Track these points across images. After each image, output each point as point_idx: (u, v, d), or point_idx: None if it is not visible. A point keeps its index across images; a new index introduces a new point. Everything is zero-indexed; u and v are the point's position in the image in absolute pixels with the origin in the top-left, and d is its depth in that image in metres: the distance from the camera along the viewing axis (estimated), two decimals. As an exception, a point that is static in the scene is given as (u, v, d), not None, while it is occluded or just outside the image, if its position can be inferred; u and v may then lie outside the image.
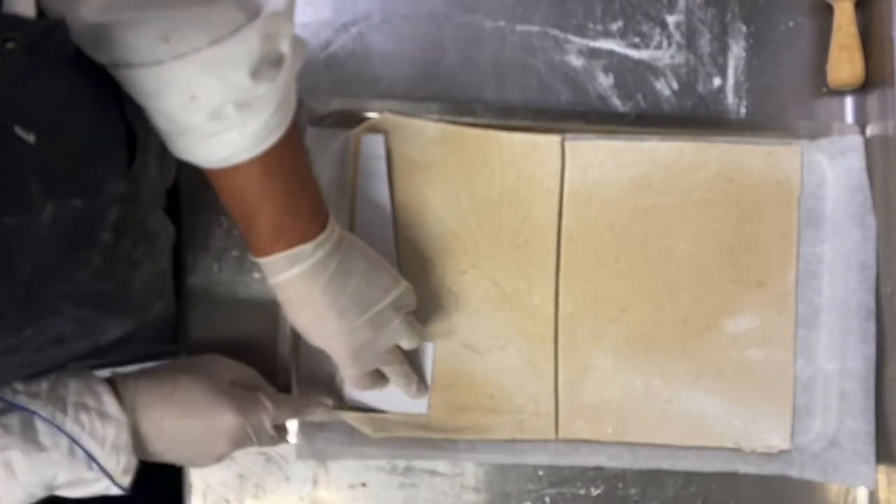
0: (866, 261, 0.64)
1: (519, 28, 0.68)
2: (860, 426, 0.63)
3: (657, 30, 0.68)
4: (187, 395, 0.55)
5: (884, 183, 0.64)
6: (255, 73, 0.46)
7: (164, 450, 0.55)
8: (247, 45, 0.45)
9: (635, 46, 0.68)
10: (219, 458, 0.58)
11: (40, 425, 0.50)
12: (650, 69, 0.68)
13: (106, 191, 0.47)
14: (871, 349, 0.64)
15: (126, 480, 0.53)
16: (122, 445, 0.52)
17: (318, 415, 0.63)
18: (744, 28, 0.68)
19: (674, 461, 0.65)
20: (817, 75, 0.68)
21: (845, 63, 0.66)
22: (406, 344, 0.61)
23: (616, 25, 0.68)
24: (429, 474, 0.66)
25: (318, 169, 0.65)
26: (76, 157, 0.45)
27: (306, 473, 0.65)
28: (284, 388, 0.64)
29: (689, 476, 0.66)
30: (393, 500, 0.66)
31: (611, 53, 0.68)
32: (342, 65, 0.67)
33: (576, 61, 0.68)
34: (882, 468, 0.64)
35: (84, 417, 0.51)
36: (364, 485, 0.66)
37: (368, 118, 0.65)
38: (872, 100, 0.66)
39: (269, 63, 0.47)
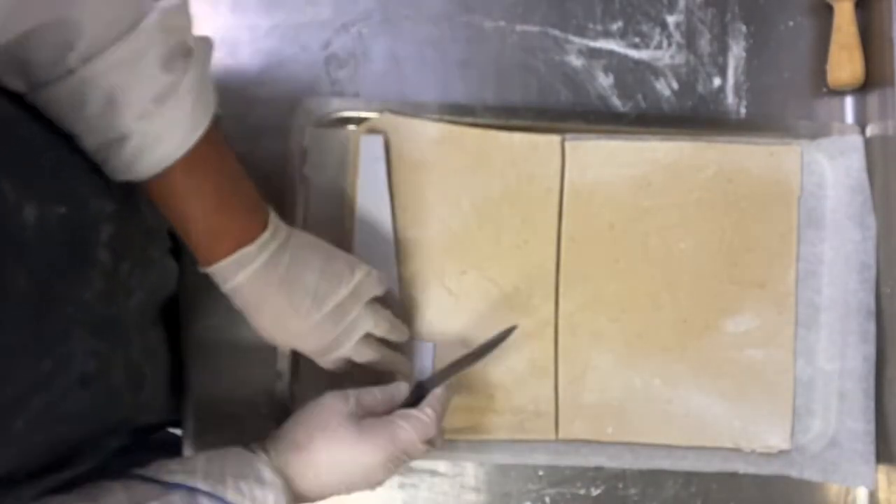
0: (866, 261, 0.64)
1: (519, 28, 0.68)
2: (860, 426, 0.63)
3: (657, 30, 0.68)
4: (329, 456, 0.54)
5: (884, 183, 0.64)
6: (166, 65, 0.47)
7: (323, 496, 0.55)
8: (149, 37, 0.46)
9: (635, 46, 0.68)
10: (380, 483, 0.57)
11: (203, 500, 0.50)
12: (650, 69, 0.68)
13: (91, 206, 0.48)
14: (871, 349, 0.64)
15: None
16: None
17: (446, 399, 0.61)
18: (744, 28, 0.68)
19: (674, 461, 0.65)
20: (817, 75, 0.68)
21: (845, 63, 0.66)
22: (377, 332, 0.59)
23: (616, 25, 0.68)
24: (429, 474, 0.66)
25: (318, 169, 0.65)
26: (48, 167, 0.45)
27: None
28: (284, 395, 0.64)
29: (689, 476, 0.66)
30: (393, 500, 0.66)
31: (611, 53, 0.68)
32: (342, 65, 0.67)
33: (576, 61, 0.68)
34: (882, 468, 0.64)
35: (244, 485, 0.51)
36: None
37: (368, 118, 0.65)
38: (872, 100, 0.66)
39: (177, 55, 0.48)
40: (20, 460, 0.46)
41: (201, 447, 0.65)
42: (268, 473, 0.53)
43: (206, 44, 0.51)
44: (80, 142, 0.48)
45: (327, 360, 0.59)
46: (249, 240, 0.53)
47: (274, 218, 0.55)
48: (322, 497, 0.55)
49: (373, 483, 0.56)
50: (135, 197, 0.54)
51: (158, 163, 0.49)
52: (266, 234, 0.53)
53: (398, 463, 0.56)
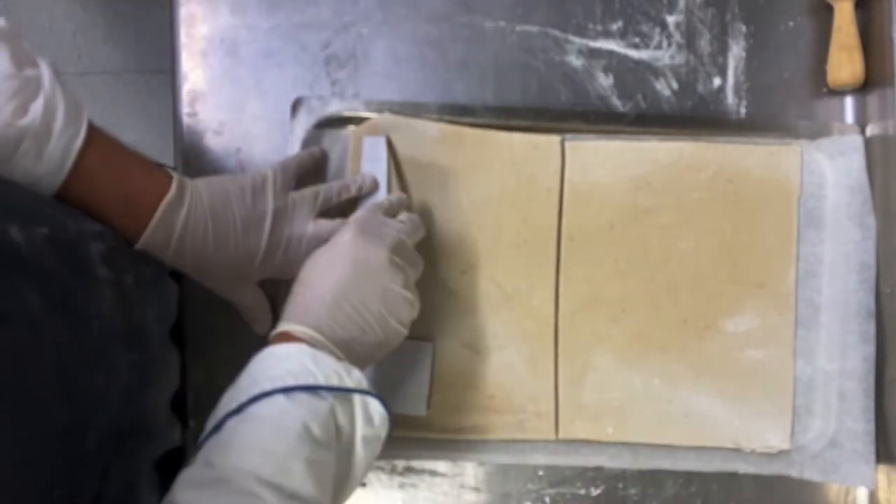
0: (866, 261, 0.64)
1: (519, 28, 0.68)
2: (860, 426, 0.63)
3: (657, 30, 0.68)
4: (332, 270, 0.55)
5: (884, 183, 0.64)
6: (18, 64, 0.48)
7: (348, 313, 0.54)
8: None
9: (635, 46, 0.68)
10: (402, 317, 0.56)
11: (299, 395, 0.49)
12: (650, 69, 0.68)
13: (71, 227, 0.48)
14: (871, 349, 0.64)
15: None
16: (321, 358, 0.51)
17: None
18: (744, 28, 0.68)
19: (674, 461, 0.65)
20: (817, 75, 0.68)
21: (845, 63, 0.66)
22: (319, 203, 0.60)
23: (616, 25, 0.68)
24: (429, 474, 0.66)
25: (318, 169, 0.65)
26: (15, 196, 0.46)
27: (306, 473, 0.65)
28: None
29: (689, 476, 0.66)
30: (393, 500, 0.66)
31: (611, 53, 0.68)
32: (342, 65, 0.67)
33: (576, 61, 0.68)
34: (882, 468, 0.64)
35: (274, 372, 0.50)
36: (364, 485, 0.66)
37: (368, 118, 0.65)
38: (872, 100, 0.66)
39: (23, 59, 0.49)
40: (91, 482, 0.46)
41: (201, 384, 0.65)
42: (284, 348, 0.52)
43: (45, 60, 0.52)
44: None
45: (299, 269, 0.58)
46: (163, 195, 0.53)
47: (175, 173, 0.55)
48: (364, 350, 0.55)
49: (396, 309, 0.55)
50: None
51: (63, 158, 0.49)
52: (174, 184, 0.54)
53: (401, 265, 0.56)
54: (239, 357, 0.63)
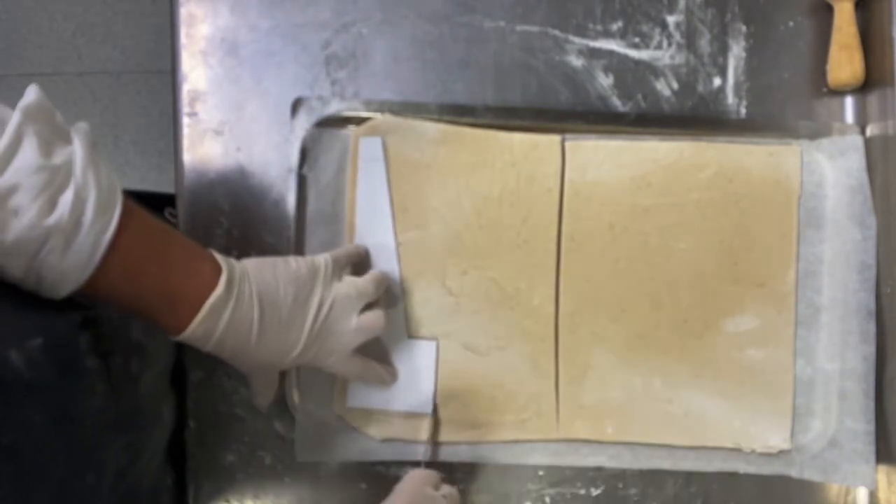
0: (866, 261, 0.64)
1: (519, 28, 0.68)
2: (860, 426, 0.63)
3: (657, 30, 0.68)
4: None
5: (884, 183, 0.64)
6: (47, 152, 0.44)
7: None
8: (18, 131, 0.44)
9: (635, 46, 0.68)
10: None
11: None
12: (650, 69, 0.68)
13: (59, 325, 0.47)
14: (871, 349, 0.64)
15: None
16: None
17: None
18: (744, 28, 0.68)
19: (674, 461, 0.65)
20: (817, 75, 0.68)
21: (845, 63, 0.66)
22: (366, 297, 0.59)
23: (616, 25, 0.68)
24: (429, 474, 0.66)
25: (318, 169, 0.65)
26: (6, 308, 0.45)
27: (306, 473, 0.65)
28: (286, 394, 0.64)
29: (689, 476, 0.66)
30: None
31: (611, 53, 0.68)
32: (342, 65, 0.67)
33: (576, 61, 0.68)
34: (882, 468, 0.64)
35: None
36: (364, 485, 0.66)
37: (368, 119, 0.65)
38: (872, 100, 0.66)
39: (55, 140, 0.46)
40: None
41: (202, 447, 0.65)
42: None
43: (82, 129, 0.48)
44: (7, 275, 0.45)
45: (337, 361, 0.58)
46: (209, 289, 0.50)
47: (222, 258, 0.53)
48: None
49: None
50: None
51: (91, 252, 0.46)
52: (223, 277, 0.51)
53: None
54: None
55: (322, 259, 0.57)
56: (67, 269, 0.46)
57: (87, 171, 0.46)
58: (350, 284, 0.58)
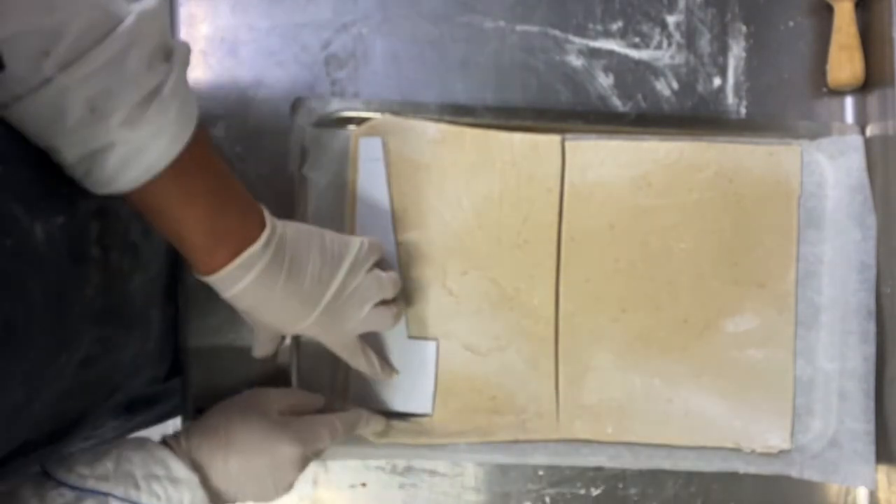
0: (866, 261, 0.64)
1: (519, 28, 0.68)
2: (860, 426, 0.63)
3: (657, 30, 0.68)
4: (243, 439, 0.55)
5: (884, 183, 0.64)
6: (148, 67, 0.45)
7: (237, 494, 0.55)
8: (128, 39, 0.44)
9: (635, 46, 0.68)
10: (290, 487, 0.57)
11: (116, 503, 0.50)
12: (650, 69, 0.68)
13: (80, 208, 0.47)
14: (871, 349, 0.64)
15: None
16: (201, 502, 0.52)
17: (372, 426, 0.62)
18: (744, 28, 0.68)
19: (674, 461, 0.65)
20: (817, 75, 0.68)
21: (845, 63, 0.66)
22: (382, 294, 0.59)
23: (616, 25, 0.68)
24: (429, 474, 0.66)
25: (318, 169, 0.65)
26: (43, 180, 0.45)
27: (306, 473, 0.65)
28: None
29: (689, 476, 0.66)
30: (393, 500, 0.66)
31: (611, 53, 0.68)
32: (342, 65, 0.67)
33: (576, 61, 0.68)
34: (882, 468, 0.64)
35: (157, 487, 0.51)
36: (364, 485, 0.66)
37: (368, 119, 0.65)
38: (872, 100, 0.66)
39: (158, 56, 0.46)
40: (28, 435, 0.47)
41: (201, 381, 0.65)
42: (182, 470, 0.52)
43: (184, 47, 0.49)
44: (58, 156, 0.45)
45: (339, 341, 0.59)
46: (250, 241, 0.51)
47: (268, 215, 0.54)
48: (235, 498, 0.55)
49: (284, 483, 0.56)
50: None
51: (146, 172, 0.46)
52: (266, 233, 0.52)
53: (307, 464, 0.57)
54: (238, 357, 0.63)
55: (357, 242, 0.58)
56: (116, 177, 0.46)
57: (176, 92, 0.46)
58: (374, 277, 0.58)
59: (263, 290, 0.53)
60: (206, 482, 0.53)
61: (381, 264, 0.61)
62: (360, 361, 0.61)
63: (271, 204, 0.65)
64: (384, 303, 0.60)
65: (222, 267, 0.51)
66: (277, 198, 0.65)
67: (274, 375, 0.64)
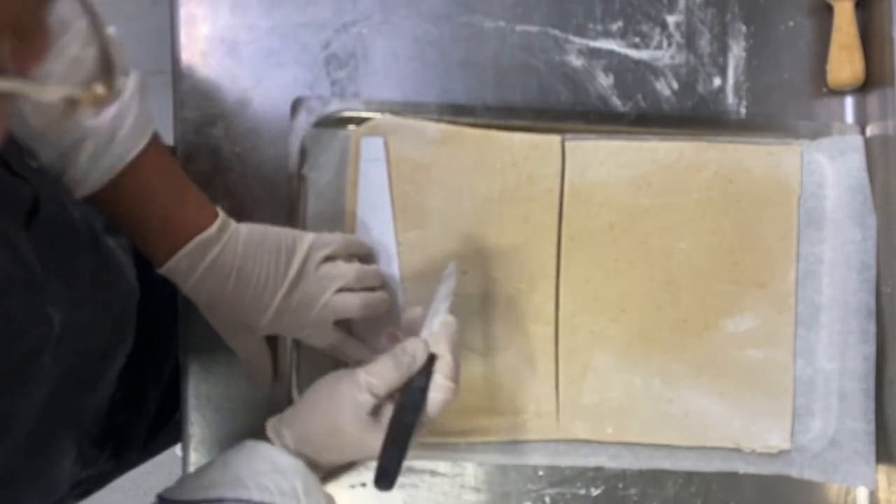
0: (866, 261, 0.64)
1: (519, 28, 0.68)
2: (860, 426, 0.63)
3: (657, 30, 0.68)
4: (341, 451, 0.56)
5: (884, 183, 0.64)
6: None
7: (335, 459, 0.56)
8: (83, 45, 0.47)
9: (635, 46, 0.68)
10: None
11: None
12: (650, 69, 0.68)
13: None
14: (871, 349, 0.64)
15: None
16: (312, 486, 0.53)
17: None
18: (744, 28, 0.68)
19: (674, 461, 0.65)
20: (817, 75, 0.68)
21: (845, 63, 0.66)
22: (343, 281, 0.59)
23: (616, 25, 0.68)
24: (429, 474, 0.66)
25: (318, 169, 0.65)
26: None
27: (306, 473, 0.65)
28: (285, 391, 0.64)
29: (689, 476, 0.66)
30: (393, 500, 0.66)
31: (611, 53, 0.68)
32: (342, 65, 0.67)
33: (576, 61, 0.68)
34: (882, 468, 0.64)
35: (265, 481, 0.52)
36: (364, 485, 0.66)
37: (368, 119, 0.65)
38: (872, 100, 0.66)
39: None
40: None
41: (202, 446, 0.65)
42: (285, 459, 0.53)
43: (138, 75, 0.53)
44: (36, 157, 0.50)
45: (313, 334, 0.59)
46: (202, 228, 0.54)
47: (222, 212, 0.56)
48: (334, 464, 0.57)
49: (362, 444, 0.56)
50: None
51: (112, 168, 0.51)
52: (218, 222, 0.55)
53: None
54: (237, 363, 0.63)
55: (308, 237, 0.59)
56: (90, 172, 0.51)
57: (134, 98, 0.51)
58: (331, 266, 0.59)
59: (219, 279, 0.55)
60: (313, 465, 0.54)
61: (366, 258, 0.62)
62: (342, 350, 0.61)
63: (270, 205, 0.65)
64: (350, 290, 0.59)
65: (173, 257, 0.54)
66: (277, 198, 0.66)
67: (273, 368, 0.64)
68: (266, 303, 0.56)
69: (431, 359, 0.55)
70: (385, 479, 0.52)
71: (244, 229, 0.57)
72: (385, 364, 0.55)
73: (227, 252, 0.55)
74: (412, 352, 0.55)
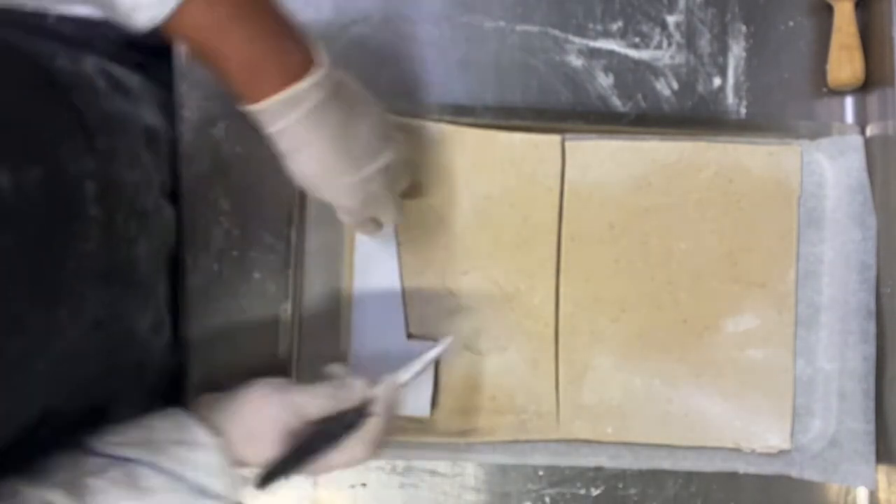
0: (866, 261, 0.64)
1: (519, 28, 0.68)
2: (860, 426, 0.63)
3: (657, 30, 0.68)
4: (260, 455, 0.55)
5: (884, 183, 0.64)
6: None
7: (240, 456, 0.55)
8: None
9: (635, 46, 0.68)
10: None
11: (142, 471, 0.50)
12: (650, 69, 0.68)
13: (71, 167, 0.47)
14: (871, 349, 0.64)
15: (238, 496, 0.54)
16: (225, 466, 0.53)
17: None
18: (744, 28, 0.68)
19: (674, 461, 0.65)
20: (817, 75, 0.68)
21: (845, 63, 0.66)
22: (404, 184, 0.59)
23: (616, 25, 0.68)
24: (429, 474, 0.66)
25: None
26: (18, 134, 0.44)
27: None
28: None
29: (689, 476, 0.66)
30: (393, 500, 0.66)
31: (611, 53, 0.68)
32: (342, 65, 0.67)
33: (576, 61, 0.68)
34: (882, 468, 0.64)
35: (181, 452, 0.52)
36: (364, 485, 0.66)
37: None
38: (872, 100, 0.66)
39: None
40: (48, 400, 0.47)
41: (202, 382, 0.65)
42: (204, 435, 0.53)
43: None
44: (96, 3, 0.45)
45: (355, 219, 0.57)
46: (297, 76, 0.48)
47: (324, 55, 0.50)
48: (257, 458, 0.55)
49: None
50: (120, 153, 0.54)
51: None
52: (319, 73, 0.49)
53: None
54: (239, 356, 0.63)
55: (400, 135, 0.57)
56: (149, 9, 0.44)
57: None
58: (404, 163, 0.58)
59: (306, 134, 0.50)
60: (229, 447, 0.53)
61: None
62: (366, 226, 0.59)
63: (270, 205, 0.65)
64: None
65: (264, 99, 0.48)
66: (278, 198, 0.65)
67: (271, 373, 0.64)
68: (351, 170, 0.52)
69: (366, 405, 0.55)
70: (266, 482, 0.53)
71: (353, 87, 0.52)
72: (323, 392, 0.55)
73: (326, 109, 0.50)
74: (350, 388, 0.56)
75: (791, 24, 0.69)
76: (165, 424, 0.53)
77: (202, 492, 0.52)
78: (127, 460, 0.50)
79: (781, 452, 0.65)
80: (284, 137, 0.51)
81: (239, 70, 0.48)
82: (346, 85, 0.52)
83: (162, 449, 0.51)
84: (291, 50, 0.49)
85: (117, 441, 0.51)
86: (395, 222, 0.60)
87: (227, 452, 0.53)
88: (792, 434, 0.65)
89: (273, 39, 0.48)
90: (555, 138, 0.66)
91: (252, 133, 0.66)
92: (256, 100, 0.49)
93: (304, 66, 0.49)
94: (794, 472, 0.65)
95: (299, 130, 0.50)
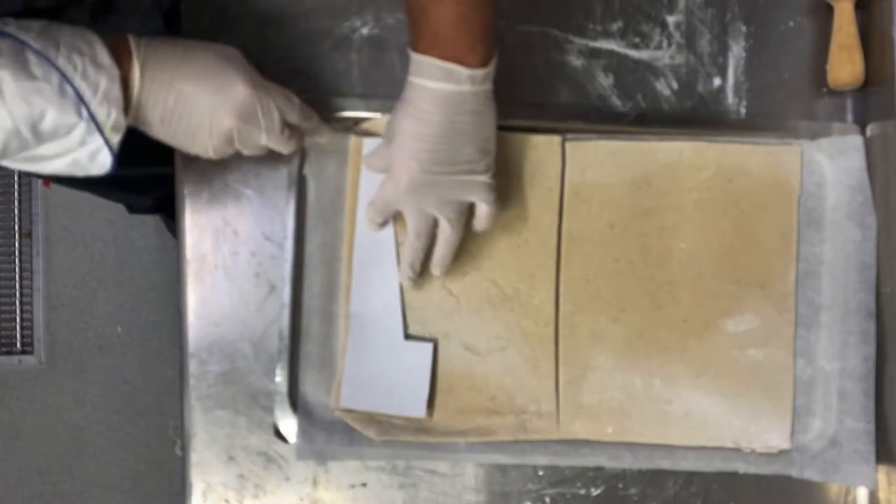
0: (866, 261, 0.64)
1: (519, 28, 0.68)
2: (860, 426, 0.63)
3: (657, 30, 0.68)
4: (201, 61, 0.53)
5: (884, 183, 0.64)
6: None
7: (164, 117, 0.53)
8: None
9: (635, 46, 0.68)
10: (218, 143, 0.55)
11: (32, 56, 0.48)
12: (650, 69, 0.68)
13: None
14: (871, 349, 0.64)
15: (115, 139, 0.51)
16: (115, 98, 0.50)
17: (324, 134, 0.62)
18: (744, 28, 0.68)
19: (674, 461, 0.65)
20: (817, 75, 0.68)
21: (845, 63, 0.66)
22: (483, 206, 0.60)
23: (616, 25, 0.68)
24: (429, 474, 0.66)
25: (318, 169, 0.65)
26: None
27: (306, 474, 0.65)
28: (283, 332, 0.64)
29: (689, 476, 0.66)
30: (393, 500, 0.66)
31: (611, 53, 0.68)
32: (342, 64, 0.67)
33: (576, 61, 0.68)
34: (882, 468, 0.64)
35: (77, 59, 0.49)
36: (364, 485, 0.66)
37: (368, 118, 0.65)
38: (872, 100, 0.66)
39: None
40: None
41: (201, 446, 0.65)
42: (105, 58, 0.50)
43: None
44: None
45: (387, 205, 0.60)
46: (463, 62, 0.53)
47: (494, 65, 0.55)
48: (161, 122, 0.53)
49: (217, 127, 0.54)
50: None
51: None
52: (483, 71, 0.54)
53: (252, 116, 0.54)
54: (237, 363, 0.63)
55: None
56: None
57: None
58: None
59: (438, 109, 0.55)
60: (140, 89, 0.51)
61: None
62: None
63: (270, 205, 0.65)
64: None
65: (427, 55, 0.54)
66: (277, 198, 0.65)
67: (271, 371, 0.64)
68: (435, 159, 0.57)
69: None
70: None
71: (493, 102, 0.57)
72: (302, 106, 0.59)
73: (464, 97, 0.55)
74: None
75: (791, 24, 0.69)
76: (73, 32, 0.50)
77: (81, 107, 0.49)
78: (18, 40, 0.48)
79: (781, 452, 0.65)
80: (416, 92, 0.55)
81: (426, 31, 0.53)
82: (491, 98, 0.57)
83: (59, 46, 0.49)
84: (473, 42, 0.54)
85: (13, 24, 0.48)
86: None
87: (121, 86, 0.50)
88: (792, 434, 0.65)
89: (466, 27, 0.53)
90: (555, 138, 0.66)
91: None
92: (421, 53, 0.53)
93: (472, 58, 0.54)
94: (794, 472, 0.65)
95: (433, 99, 0.55)
